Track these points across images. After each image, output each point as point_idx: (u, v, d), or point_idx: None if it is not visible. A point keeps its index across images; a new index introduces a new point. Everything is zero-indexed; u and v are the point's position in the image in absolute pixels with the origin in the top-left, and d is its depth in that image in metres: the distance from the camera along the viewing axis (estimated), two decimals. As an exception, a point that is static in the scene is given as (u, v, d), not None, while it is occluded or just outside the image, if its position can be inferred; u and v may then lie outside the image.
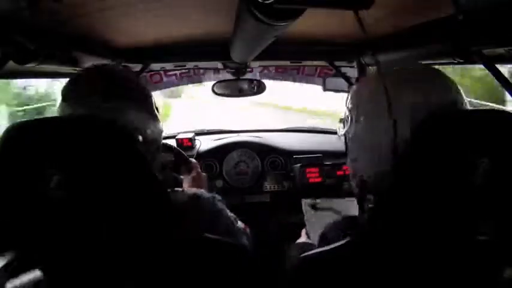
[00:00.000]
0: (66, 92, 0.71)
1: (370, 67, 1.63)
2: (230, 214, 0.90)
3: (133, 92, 0.74)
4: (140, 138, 0.74)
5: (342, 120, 0.79)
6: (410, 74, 0.70)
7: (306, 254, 0.74)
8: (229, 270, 0.70)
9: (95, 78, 0.73)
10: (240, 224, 0.93)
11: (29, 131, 0.58)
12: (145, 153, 0.74)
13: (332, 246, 0.71)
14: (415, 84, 0.67)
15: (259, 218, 1.79)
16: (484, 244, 0.61)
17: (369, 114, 0.71)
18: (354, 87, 0.79)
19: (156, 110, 0.82)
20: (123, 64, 1.42)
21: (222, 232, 0.78)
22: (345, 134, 0.78)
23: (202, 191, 0.85)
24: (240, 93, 1.76)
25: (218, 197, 0.88)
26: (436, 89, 0.67)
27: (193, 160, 1.14)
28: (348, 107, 0.76)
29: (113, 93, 0.71)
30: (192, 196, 0.81)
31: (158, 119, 0.82)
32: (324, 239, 0.81)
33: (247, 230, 0.95)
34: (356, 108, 0.74)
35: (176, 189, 0.85)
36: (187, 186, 1.12)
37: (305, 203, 1.34)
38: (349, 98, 0.77)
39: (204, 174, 1.15)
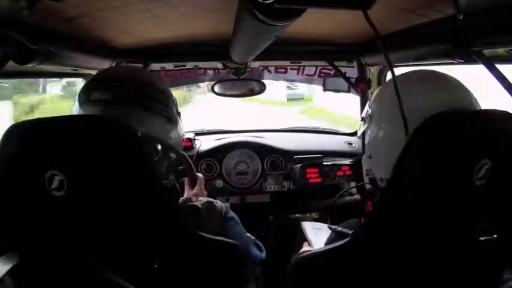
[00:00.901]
0: (80, 94, 0.70)
1: (370, 67, 1.63)
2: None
3: (148, 99, 0.71)
4: (159, 147, 0.71)
5: (363, 119, 0.82)
6: (427, 79, 0.72)
7: (304, 254, 0.74)
8: (223, 266, 0.71)
9: (108, 83, 0.71)
10: (248, 235, 0.94)
11: (31, 131, 0.58)
12: (163, 160, 0.74)
13: (330, 246, 0.71)
14: (435, 90, 0.68)
15: (259, 218, 1.79)
16: (485, 244, 0.61)
17: (385, 120, 0.74)
18: (378, 89, 0.82)
19: (177, 115, 0.79)
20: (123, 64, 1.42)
21: (232, 237, 0.79)
22: (364, 132, 0.81)
23: (217, 200, 0.87)
24: (240, 93, 1.76)
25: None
26: (454, 94, 0.68)
27: (200, 175, 1.13)
28: (369, 107, 0.79)
29: (124, 100, 0.69)
30: (206, 203, 0.82)
31: (179, 124, 0.79)
32: (338, 234, 0.83)
33: (257, 241, 0.96)
34: (376, 110, 0.76)
35: (191, 197, 0.86)
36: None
37: (306, 225, 1.35)
38: (372, 99, 0.80)
39: (205, 192, 1.13)
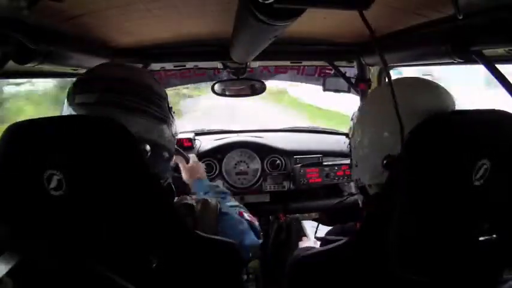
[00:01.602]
0: (68, 95, 0.70)
1: (370, 67, 1.63)
2: (236, 211, 0.92)
3: (132, 98, 0.69)
4: (147, 147, 0.70)
5: (350, 128, 0.82)
6: (413, 84, 0.73)
7: (304, 253, 0.74)
8: (221, 266, 0.71)
9: (91, 84, 0.69)
10: (246, 216, 0.94)
11: (30, 130, 0.58)
12: (155, 160, 0.73)
13: (329, 246, 0.71)
14: (421, 93, 0.69)
15: (259, 218, 1.79)
16: (485, 244, 0.61)
17: (366, 126, 0.75)
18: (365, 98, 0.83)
19: (169, 112, 0.77)
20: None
21: (227, 233, 0.79)
22: (350, 140, 0.82)
23: (211, 198, 0.86)
24: (240, 93, 1.77)
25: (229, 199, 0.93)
26: (440, 97, 0.69)
27: (191, 154, 1.17)
28: (353, 118, 0.80)
29: (107, 102, 0.67)
30: (200, 200, 0.82)
31: (171, 122, 0.77)
32: (325, 242, 0.83)
33: (256, 222, 0.96)
34: (359, 117, 0.77)
35: (186, 195, 0.86)
36: (186, 177, 1.16)
37: (306, 224, 1.36)
38: (355, 110, 0.81)
39: (201, 163, 1.19)
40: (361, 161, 0.76)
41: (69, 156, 0.55)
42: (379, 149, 0.69)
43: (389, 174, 0.64)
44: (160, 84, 0.79)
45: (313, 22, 1.08)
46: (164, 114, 0.75)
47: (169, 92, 0.92)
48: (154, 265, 0.61)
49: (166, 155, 0.77)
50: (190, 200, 0.82)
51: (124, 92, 0.69)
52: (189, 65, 1.77)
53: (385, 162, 0.67)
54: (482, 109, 0.63)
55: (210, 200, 0.84)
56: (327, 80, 1.80)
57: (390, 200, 0.61)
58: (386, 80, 0.65)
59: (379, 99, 0.74)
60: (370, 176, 0.73)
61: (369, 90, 1.67)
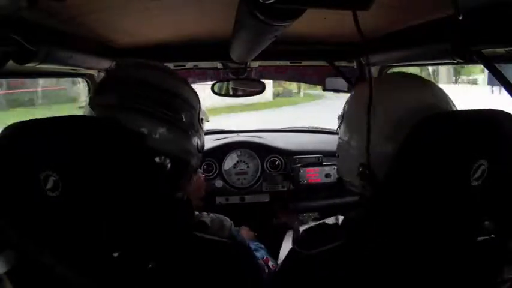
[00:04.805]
0: (90, 96, 0.69)
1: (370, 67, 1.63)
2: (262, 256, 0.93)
3: (155, 104, 0.64)
4: (168, 163, 0.64)
5: (338, 117, 0.83)
6: (402, 80, 0.74)
7: (302, 252, 0.74)
8: (220, 266, 0.70)
9: (114, 83, 0.67)
10: (270, 265, 0.95)
11: (26, 131, 0.58)
12: (176, 174, 0.67)
13: (328, 246, 0.71)
14: (409, 91, 0.69)
15: (259, 218, 1.79)
16: (483, 245, 0.61)
17: (347, 119, 0.76)
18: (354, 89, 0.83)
19: (198, 123, 0.71)
20: None
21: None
22: (337, 134, 0.82)
23: (226, 218, 0.80)
24: (240, 93, 1.77)
25: None
26: (416, 92, 0.69)
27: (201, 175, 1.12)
28: (343, 107, 0.80)
29: (127, 104, 0.63)
30: (216, 220, 0.77)
31: (197, 135, 0.71)
32: (300, 240, 0.79)
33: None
34: (346, 111, 0.78)
35: (203, 213, 0.79)
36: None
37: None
38: (347, 99, 0.81)
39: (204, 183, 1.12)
40: (341, 156, 0.78)
41: (65, 158, 0.55)
42: (357, 148, 0.70)
43: (387, 174, 0.63)
44: (193, 90, 0.73)
45: (313, 22, 1.08)
46: (189, 125, 0.69)
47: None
48: (150, 266, 0.61)
49: (188, 169, 0.72)
50: (206, 217, 0.76)
51: (144, 96, 0.64)
52: (189, 65, 1.78)
53: (360, 169, 0.67)
54: (479, 109, 0.63)
55: (225, 222, 0.78)
56: (326, 80, 1.80)
57: (390, 200, 0.61)
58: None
59: (365, 96, 0.68)
60: (346, 172, 0.76)
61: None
